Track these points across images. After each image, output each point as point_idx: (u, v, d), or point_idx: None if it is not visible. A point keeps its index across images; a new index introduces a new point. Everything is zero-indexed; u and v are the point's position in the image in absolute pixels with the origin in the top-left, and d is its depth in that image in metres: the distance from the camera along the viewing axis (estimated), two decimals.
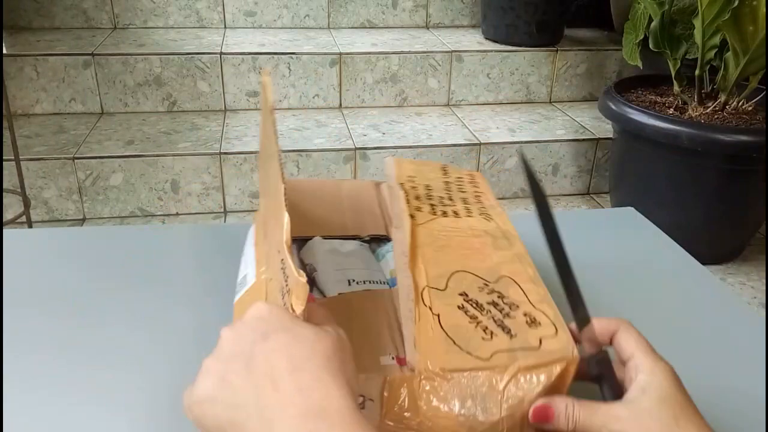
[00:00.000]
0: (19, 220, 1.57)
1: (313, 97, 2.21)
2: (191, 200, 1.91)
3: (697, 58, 1.71)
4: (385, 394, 0.41)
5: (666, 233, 0.80)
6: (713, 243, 1.81)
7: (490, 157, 2.05)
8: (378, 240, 0.63)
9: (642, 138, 1.74)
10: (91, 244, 0.73)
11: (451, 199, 0.58)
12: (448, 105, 2.30)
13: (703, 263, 0.73)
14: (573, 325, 0.46)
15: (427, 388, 0.41)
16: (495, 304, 0.46)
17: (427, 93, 2.27)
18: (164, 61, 2.07)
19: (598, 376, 0.43)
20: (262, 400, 0.35)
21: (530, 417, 0.41)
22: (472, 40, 2.38)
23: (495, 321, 0.44)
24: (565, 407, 0.41)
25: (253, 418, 0.35)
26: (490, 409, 0.40)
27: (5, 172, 1.70)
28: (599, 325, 0.45)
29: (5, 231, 0.71)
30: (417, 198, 0.56)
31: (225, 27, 2.40)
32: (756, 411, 0.53)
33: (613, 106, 1.80)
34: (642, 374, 0.41)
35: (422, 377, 0.41)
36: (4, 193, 1.71)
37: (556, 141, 2.09)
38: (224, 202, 1.93)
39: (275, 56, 2.13)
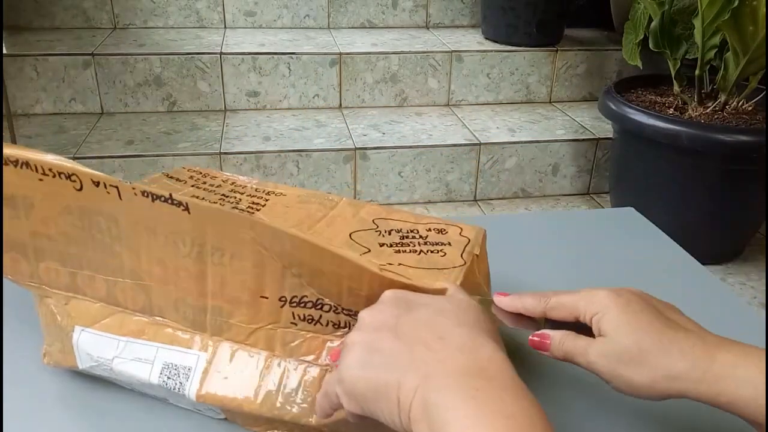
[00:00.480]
0: None
1: (313, 97, 2.21)
2: None
3: (697, 58, 1.71)
4: None
5: (666, 233, 0.80)
6: (713, 243, 1.81)
7: (490, 157, 2.05)
8: None
9: (642, 138, 1.74)
10: None
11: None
12: (448, 105, 2.30)
13: (703, 263, 0.73)
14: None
15: None
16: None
17: (427, 93, 2.27)
18: (164, 61, 2.07)
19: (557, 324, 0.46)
20: (417, 358, 0.35)
21: (529, 342, 0.45)
22: (472, 40, 2.38)
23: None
24: (559, 338, 0.44)
25: (409, 374, 0.34)
26: None
27: None
28: (526, 310, 0.47)
29: None
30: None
31: (225, 27, 2.40)
32: None
33: (613, 106, 1.80)
34: (594, 323, 0.43)
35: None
36: None
37: (556, 141, 2.09)
38: None
39: (275, 56, 2.13)
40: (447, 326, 0.37)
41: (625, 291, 0.44)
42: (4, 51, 1.98)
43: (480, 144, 2.02)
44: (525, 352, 0.49)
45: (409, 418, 0.33)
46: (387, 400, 0.34)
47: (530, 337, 0.45)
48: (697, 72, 1.74)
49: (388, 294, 0.41)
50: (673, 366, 0.40)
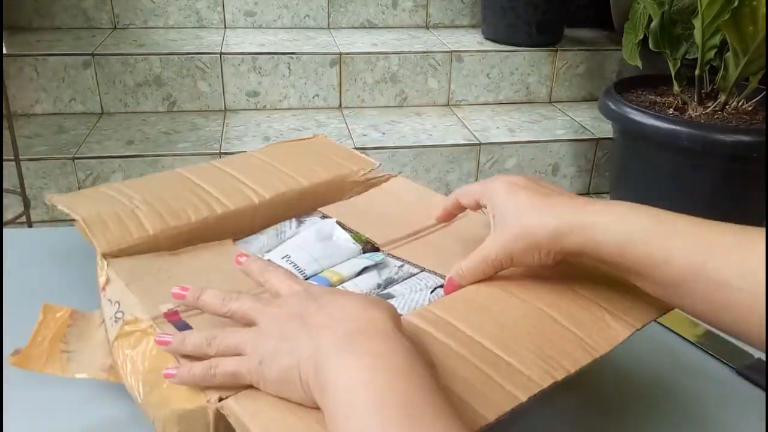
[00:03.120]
0: (19, 220, 1.57)
1: (313, 97, 2.21)
2: None
3: (697, 58, 1.71)
4: None
5: None
6: None
7: (490, 157, 2.05)
8: None
9: (642, 138, 1.74)
10: (91, 246, 0.73)
11: None
12: (448, 105, 2.30)
13: None
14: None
15: None
16: None
17: (427, 93, 2.27)
18: (164, 61, 2.07)
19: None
20: (313, 335, 0.38)
21: (443, 292, 0.50)
22: (472, 40, 2.38)
23: None
24: (455, 272, 0.50)
25: (304, 351, 0.37)
26: None
27: (5, 172, 1.70)
28: (447, 208, 0.57)
29: (5, 231, 0.71)
30: None
31: (225, 27, 2.40)
32: (755, 409, 0.53)
33: (613, 106, 1.80)
34: (487, 204, 0.51)
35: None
36: (4, 193, 1.71)
37: (556, 141, 2.09)
38: None
39: (275, 56, 2.13)
40: (344, 303, 0.40)
41: (516, 177, 0.50)
42: (4, 51, 1.98)
43: (480, 144, 2.02)
44: None
45: (309, 386, 0.36)
46: (293, 382, 0.37)
47: (443, 291, 0.50)
48: (697, 72, 1.74)
49: (287, 293, 0.43)
50: (548, 224, 0.45)
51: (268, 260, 0.52)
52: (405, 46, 2.25)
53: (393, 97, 2.26)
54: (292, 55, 2.14)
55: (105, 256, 0.54)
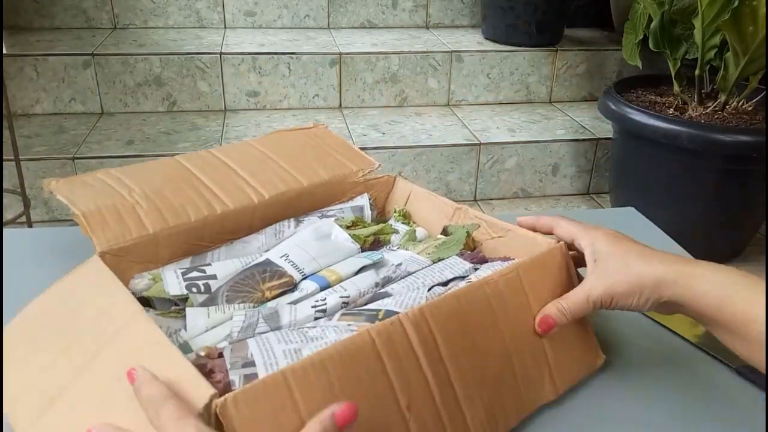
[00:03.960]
0: (19, 220, 1.57)
1: (313, 97, 2.21)
2: None
3: (697, 58, 1.71)
4: None
5: (666, 233, 0.80)
6: (713, 243, 1.81)
7: (490, 157, 2.05)
8: None
9: (642, 138, 1.74)
10: (91, 244, 0.73)
11: None
12: (448, 105, 2.30)
13: None
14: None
15: None
16: None
17: (427, 93, 2.27)
18: (164, 61, 2.07)
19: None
20: None
21: (538, 329, 0.51)
22: (472, 40, 2.38)
23: None
24: (556, 309, 0.52)
25: None
26: None
27: (5, 172, 1.70)
28: (539, 225, 0.58)
29: (5, 231, 0.71)
30: None
31: (225, 27, 2.40)
32: (755, 409, 0.53)
33: (613, 106, 1.80)
34: (586, 248, 0.53)
35: None
36: (4, 193, 1.71)
37: (556, 141, 2.09)
38: None
39: (275, 56, 2.13)
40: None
41: (614, 230, 0.54)
42: (4, 51, 1.98)
43: (480, 144, 2.02)
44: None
45: None
46: None
47: (537, 327, 0.52)
48: (697, 72, 1.74)
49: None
50: (654, 271, 0.49)
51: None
52: (405, 46, 2.25)
53: (393, 97, 2.26)
54: (292, 55, 2.14)
55: (103, 254, 0.54)
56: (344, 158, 0.72)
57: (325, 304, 0.52)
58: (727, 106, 1.76)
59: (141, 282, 0.55)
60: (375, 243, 0.63)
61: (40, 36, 2.19)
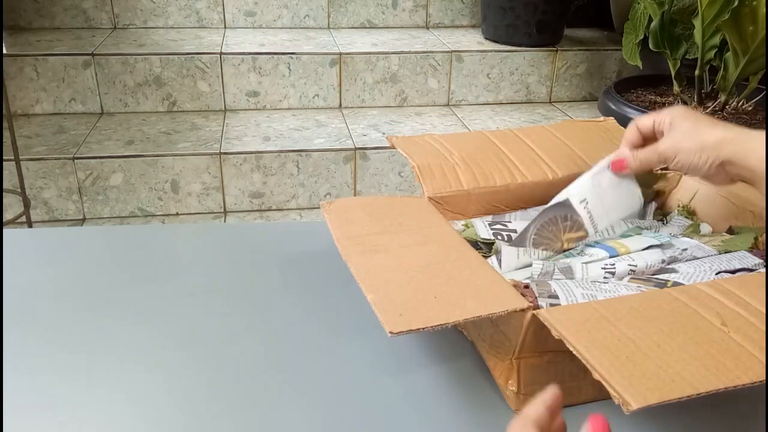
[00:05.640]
0: (19, 220, 1.57)
1: (313, 97, 2.21)
2: (191, 200, 1.91)
3: (697, 58, 1.71)
4: None
5: None
6: None
7: None
8: None
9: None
10: (91, 244, 0.73)
11: None
12: (448, 105, 2.30)
13: None
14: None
15: None
16: None
17: (427, 93, 2.27)
18: (164, 61, 2.07)
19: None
20: None
21: (611, 168, 0.63)
22: (472, 40, 2.38)
23: None
24: (629, 153, 0.62)
25: None
26: None
27: (5, 172, 1.70)
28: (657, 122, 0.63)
29: (5, 231, 0.71)
30: None
31: (225, 27, 2.40)
32: (757, 408, 0.53)
33: (613, 106, 1.80)
34: (666, 121, 0.60)
35: None
36: (4, 193, 1.71)
37: None
38: (224, 202, 1.93)
39: (275, 56, 2.13)
40: None
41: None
42: (4, 51, 1.98)
43: None
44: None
45: None
46: None
47: (610, 164, 0.64)
48: (697, 72, 1.74)
49: None
50: (716, 132, 0.57)
51: None
52: (405, 46, 2.25)
53: (393, 97, 2.26)
54: (292, 55, 2.14)
55: (430, 199, 0.67)
56: None
57: (614, 267, 0.58)
58: (727, 106, 1.76)
59: (456, 226, 0.65)
60: (657, 196, 0.74)
61: (40, 36, 2.19)
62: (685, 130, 0.58)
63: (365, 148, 1.95)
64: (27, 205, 1.56)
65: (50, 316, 0.59)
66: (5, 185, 1.72)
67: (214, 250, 0.72)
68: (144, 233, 0.80)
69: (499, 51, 2.28)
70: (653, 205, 0.72)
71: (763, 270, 0.57)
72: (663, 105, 1.83)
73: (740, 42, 1.60)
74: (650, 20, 1.74)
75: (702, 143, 0.57)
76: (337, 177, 1.96)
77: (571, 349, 0.43)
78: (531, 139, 0.77)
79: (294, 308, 0.63)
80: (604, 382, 0.41)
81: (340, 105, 2.24)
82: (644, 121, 0.62)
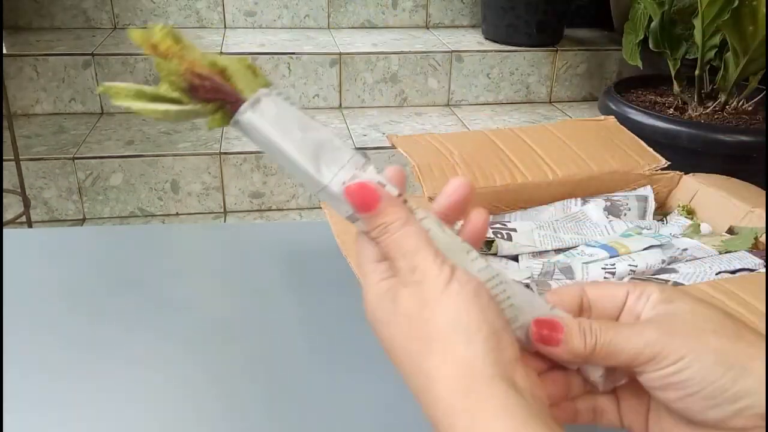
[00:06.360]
0: (19, 220, 1.57)
1: (313, 97, 2.21)
2: (191, 200, 1.91)
3: (697, 58, 1.71)
4: None
5: None
6: None
7: None
8: None
9: (642, 138, 1.73)
10: (91, 244, 0.73)
11: None
12: (448, 105, 2.30)
13: None
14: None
15: None
16: None
17: (427, 93, 2.27)
18: None
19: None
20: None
21: (533, 335, 0.32)
22: (472, 40, 2.38)
23: None
24: (578, 324, 0.31)
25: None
26: None
27: (5, 172, 1.70)
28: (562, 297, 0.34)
29: (5, 231, 0.71)
30: None
31: (225, 27, 2.40)
32: None
33: (613, 106, 1.80)
34: (654, 295, 0.32)
35: None
36: (4, 193, 1.71)
37: None
38: (224, 202, 1.93)
39: (275, 56, 2.13)
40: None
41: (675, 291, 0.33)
42: (4, 51, 1.98)
43: None
44: None
45: None
46: None
47: (534, 329, 0.32)
48: (697, 72, 1.74)
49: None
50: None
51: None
52: (405, 46, 2.25)
53: (393, 97, 2.26)
54: (292, 55, 2.14)
55: (430, 199, 0.66)
56: (633, 152, 0.78)
57: (615, 268, 0.58)
58: (727, 106, 1.76)
59: (456, 225, 0.60)
60: None
61: (40, 36, 2.19)
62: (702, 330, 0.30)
63: (365, 148, 1.95)
64: (27, 205, 1.56)
65: (50, 316, 0.59)
66: (5, 185, 1.72)
67: (214, 250, 0.72)
68: (144, 233, 0.80)
69: (499, 51, 2.28)
70: (653, 205, 0.72)
71: (764, 270, 0.57)
72: (663, 105, 1.83)
73: (740, 42, 1.60)
74: (650, 20, 1.74)
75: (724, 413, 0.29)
76: None
77: None
78: (531, 138, 0.77)
79: (294, 308, 0.63)
80: None
81: (340, 105, 2.24)
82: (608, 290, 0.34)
